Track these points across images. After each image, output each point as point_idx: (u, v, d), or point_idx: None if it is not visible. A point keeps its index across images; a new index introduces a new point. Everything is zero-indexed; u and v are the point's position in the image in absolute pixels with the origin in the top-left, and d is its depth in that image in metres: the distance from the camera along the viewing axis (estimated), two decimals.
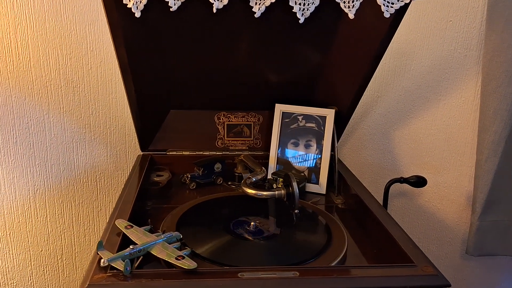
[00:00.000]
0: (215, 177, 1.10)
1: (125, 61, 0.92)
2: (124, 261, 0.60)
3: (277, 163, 1.12)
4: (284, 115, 1.11)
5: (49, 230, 1.23)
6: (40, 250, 1.24)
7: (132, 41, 0.89)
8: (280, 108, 1.12)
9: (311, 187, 1.08)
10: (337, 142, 1.08)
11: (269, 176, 1.06)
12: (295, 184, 0.81)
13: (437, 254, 1.41)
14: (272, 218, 0.89)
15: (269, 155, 1.11)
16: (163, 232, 0.72)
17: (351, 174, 1.08)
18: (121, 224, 0.72)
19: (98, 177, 1.23)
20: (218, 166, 1.11)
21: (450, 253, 1.42)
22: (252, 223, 0.82)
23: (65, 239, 1.25)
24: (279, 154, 1.12)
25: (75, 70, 1.15)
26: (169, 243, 0.68)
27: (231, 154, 1.15)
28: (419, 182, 1.14)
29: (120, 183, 1.24)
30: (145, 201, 0.98)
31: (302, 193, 1.03)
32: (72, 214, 1.24)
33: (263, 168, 1.00)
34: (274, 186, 1.03)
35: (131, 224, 0.73)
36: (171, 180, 1.08)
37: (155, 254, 0.65)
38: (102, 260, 0.61)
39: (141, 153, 1.15)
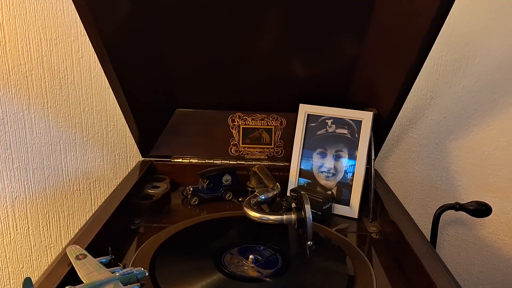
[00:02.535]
0: (223, 191, 1.01)
1: (111, 46, 0.82)
2: None
3: (299, 177, 1.00)
4: (310, 118, 0.99)
5: (32, 244, 1.16)
6: (21, 266, 1.18)
7: (121, 21, 0.81)
8: (305, 109, 1.00)
9: (339, 209, 0.94)
10: (375, 153, 0.96)
11: (288, 193, 0.95)
12: (307, 208, 0.66)
13: None
14: (281, 248, 0.75)
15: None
16: (124, 267, 0.59)
17: (392, 195, 0.94)
18: (73, 252, 0.61)
19: (92, 184, 1.15)
20: (227, 179, 1.00)
21: None
22: (251, 257, 0.68)
23: (51, 255, 1.18)
24: (302, 166, 0.99)
25: (62, 58, 1.07)
26: (125, 284, 0.55)
27: (247, 164, 1.06)
28: (480, 210, 0.96)
29: None
30: (132, 218, 0.89)
31: (328, 217, 0.92)
32: (59, 227, 1.17)
33: (277, 183, 0.86)
34: (293, 206, 0.90)
35: (85, 253, 0.61)
36: (168, 193, 0.99)
37: None
38: None
39: (142, 159, 1.08)
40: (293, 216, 0.70)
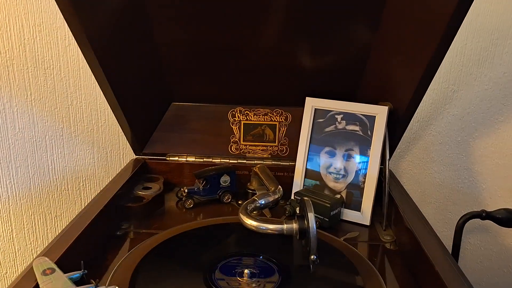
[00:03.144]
0: (222, 194, 0.94)
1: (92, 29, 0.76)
2: None
3: (305, 178, 0.93)
4: (318, 113, 0.93)
5: (16, 248, 1.11)
6: (4, 272, 1.13)
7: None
8: (312, 104, 0.93)
9: (349, 215, 0.87)
10: (390, 152, 0.88)
11: (293, 196, 0.89)
12: (311, 217, 0.58)
13: None
14: (281, 260, 0.68)
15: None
16: (97, 285, 0.52)
17: (408, 199, 0.86)
18: (40, 266, 0.54)
19: (81, 184, 1.09)
20: (225, 179, 0.94)
21: None
22: (246, 271, 0.61)
23: None
24: (309, 166, 0.93)
25: (47, 47, 1.01)
26: None
27: (248, 164, 1.01)
28: (510, 220, 0.85)
29: None
30: (119, 223, 0.83)
31: (336, 223, 0.85)
32: (46, 230, 1.11)
33: (279, 186, 0.79)
34: (298, 211, 0.83)
35: (54, 267, 0.54)
36: (162, 194, 0.92)
37: None
38: None
39: (135, 156, 1.03)
40: (294, 226, 0.62)
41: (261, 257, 0.68)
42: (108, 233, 0.78)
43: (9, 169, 1.04)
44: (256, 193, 0.91)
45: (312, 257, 0.60)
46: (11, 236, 1.08)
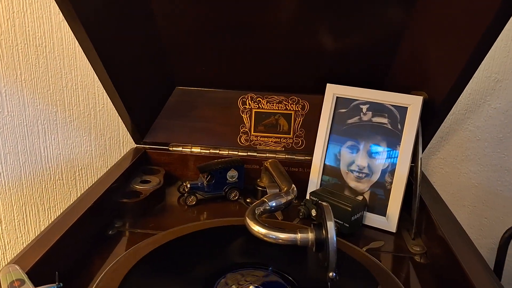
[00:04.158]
0: (228, 190, 0.87)
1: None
2: None
3: (322, 175, 0.84)
4: (340, 102, 0.84)
5: (6, 241, 1.05)
6: None
7: None
8: (333, 91, 0.84)
9: (373, 220, 0.79)
10: (423, 149, 0.79)
11: (308, 196, 0.81)
12: (330, 227, 0.49)
13: None
14: (294, 272, 0.61)
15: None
16: None
17: (441, 203, 0.78)
18: (8, 276, 0.49)
19: (77, 173, 1.03)
20: (233, 175, 0.87)
21: None
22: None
23: None
24: (327, 162, 0.84)
25: (39, 22, 0.94)
26: None
27: (259, 157, 0.95)
28: None
29: None
30: (113, 221, 0.76)
31: (358, 229, 0.77)
32: (39, 222, 1.06)
33: (292, 185, 0.70)
34: (313, 213, 0.76)
35: (24, 278, 0.48)
36: (162, 188, 0.85)
37: None
38: None
39: (136, 145, 0.97)
40: (310, 236, 0.53)
41: (270, 268, 0.61)
42: (98, 232, 0.71)
43: None
44: (266, 191, 0.84)
45: (330, 274, 0.51)
46: (0, 228, 1.03)
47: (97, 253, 0.66)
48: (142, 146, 0.96)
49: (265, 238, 0.56)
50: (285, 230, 0.56)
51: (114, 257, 0.65)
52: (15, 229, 1.04)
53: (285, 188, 0.69)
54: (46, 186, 1.02)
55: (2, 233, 1.03)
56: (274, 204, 0.64)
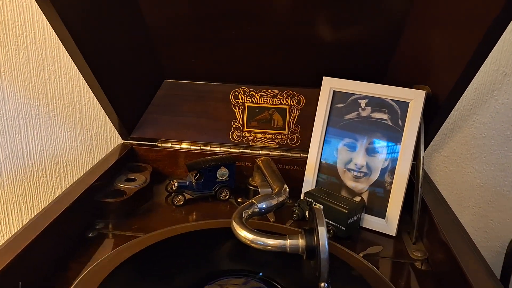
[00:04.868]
0: (218, 189, 0.83)
1: None
2: None
3: (318, 173, 0.81)
4: (337, 96, 0.80)
5: None
6: None
7: None
8: (330, 84, 0.80)
9: (371, 222, 0.75)
10: (425, 146, 0.77)
11: (303, 196, 0.78)
12: (321, 233, 0.45)
13: None
14: (286, 279, 0.58)
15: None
16: None
17: (445, 205, 0.74)
18: None
19: (62, 170, 1.00)
20: (223, 173, 0.84)
21: None
22: None
23: None
24: (324, 160, 0.80)
25: (19, 10, 0.90)
26: None
27: (252, 154, 0.91)
28: None
29: None
30: (95, 222, 0.73)
31: (354, 232, 0.73)
32: (22, 220, 1.03)
33: (285, 186, 0.66)
34: (307, 215, 0.71)
35: None
36: (149, 187, 0.82)
37: None
38: None
39: (123, 141, 0.94)
40: (300, 242, 0.49)
41: (260, 274, 0.57)
42: (77, 234, 0.67)
43: None
44: (258, 191, 0.81)
45: (322, 285, 0.47)
46: None
47: (74, 258, 0.62)
48: (129, 142, 0.92)
49: (252, 244, 0.52)
50: (274, 236, 0.52)
51: (93, 262, 0.61)
52: None
53: (277, 189, 0.65)
54: (29, 183, 0.98)
55: None
56: (264, 206, 0.60)
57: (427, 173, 0.88)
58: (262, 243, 0.52)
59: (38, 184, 0.99)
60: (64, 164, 0.99)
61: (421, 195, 0.73)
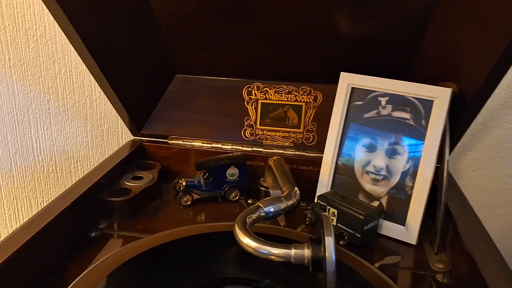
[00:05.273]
0: (228, 189, 0.80)
1: None
2: None
3: (334, 176, 0.76)
4: (356, 93, 0.76)
5: None
6: None
7: None
8: (348, 81, 0.76)
9: (389, 229, 0.70)
10: (451, 149, 0.70)
11: (317, 199, 0.73)
12: (328, 243, 0.41)
13: None
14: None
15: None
16: None
17: (469, 211, 0.69)
18: None
19: (72, 166, 0.99)
20: (233, 172, 0.81)
21: None
22: None
23: None
24: (341, 161, 0.76)
25: (29, 3, 0.89)
26: None
27: (265, 153, 0.88)
28: None
29: None
30: (98, 221, 0.71)
31: (371, 239, 0.69)
32: (31, 216, 0.98)
33: (295, 188, 0.62)
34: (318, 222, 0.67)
35: None
36: (156, 185, 0.80)
37: None
38: None
39: (133, 137, 0.92)
40: (306, 253, 0.45)
41: (267, 281, 0.53)
42: (79, 234, 0.65)
43: None
44: (269, 192, 0.77)
45: None
46: None
47: (74, 259, 0.60)
48: (139, 138, 0.90)
49: (255, 253, 0.48)
50: (278, 244, 0.48)
51: (93, 262, 0.60)
52: (6, 223, 1.00)
53: (286, 191, 0.61)
54: (39, 178, 0.98)
55: None
56: (271, 210, 0.57)
57: (453, 177, 0.83)
58: (265, 252, 0.48)
59: (48, 180, 0.98)
60: (75, 160, 0.98)
61: (445, 201, 0.67)
